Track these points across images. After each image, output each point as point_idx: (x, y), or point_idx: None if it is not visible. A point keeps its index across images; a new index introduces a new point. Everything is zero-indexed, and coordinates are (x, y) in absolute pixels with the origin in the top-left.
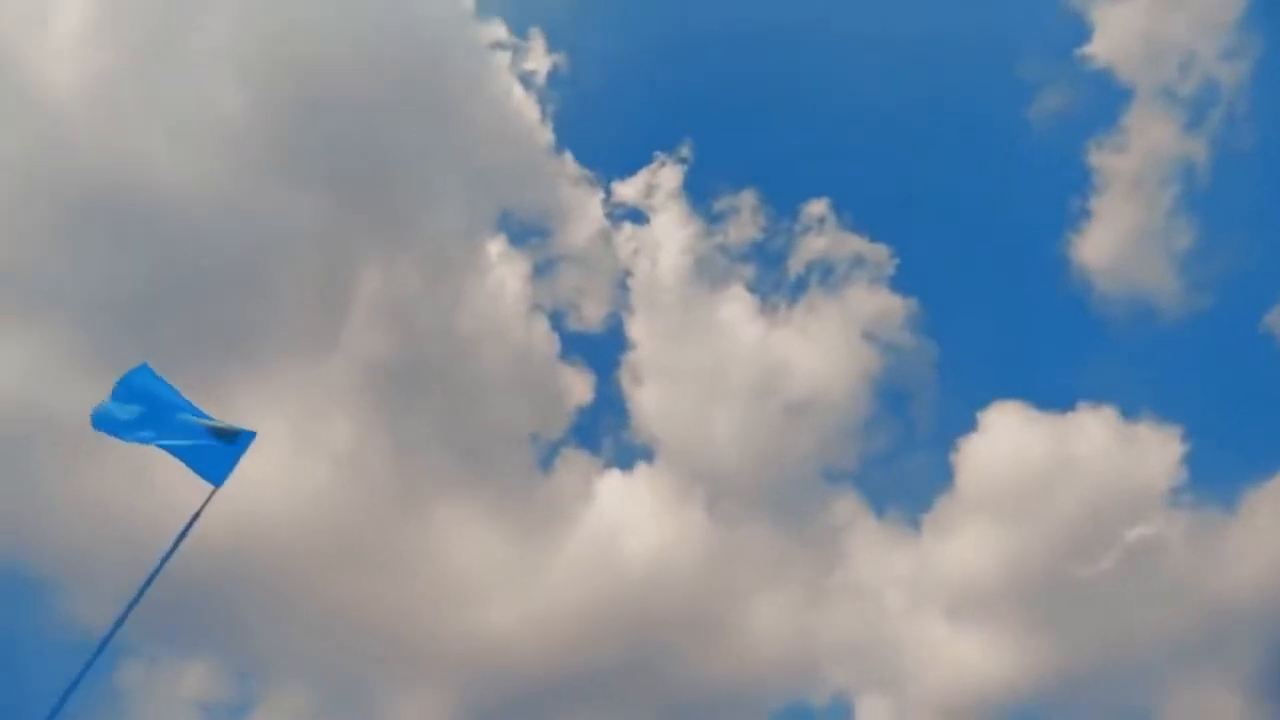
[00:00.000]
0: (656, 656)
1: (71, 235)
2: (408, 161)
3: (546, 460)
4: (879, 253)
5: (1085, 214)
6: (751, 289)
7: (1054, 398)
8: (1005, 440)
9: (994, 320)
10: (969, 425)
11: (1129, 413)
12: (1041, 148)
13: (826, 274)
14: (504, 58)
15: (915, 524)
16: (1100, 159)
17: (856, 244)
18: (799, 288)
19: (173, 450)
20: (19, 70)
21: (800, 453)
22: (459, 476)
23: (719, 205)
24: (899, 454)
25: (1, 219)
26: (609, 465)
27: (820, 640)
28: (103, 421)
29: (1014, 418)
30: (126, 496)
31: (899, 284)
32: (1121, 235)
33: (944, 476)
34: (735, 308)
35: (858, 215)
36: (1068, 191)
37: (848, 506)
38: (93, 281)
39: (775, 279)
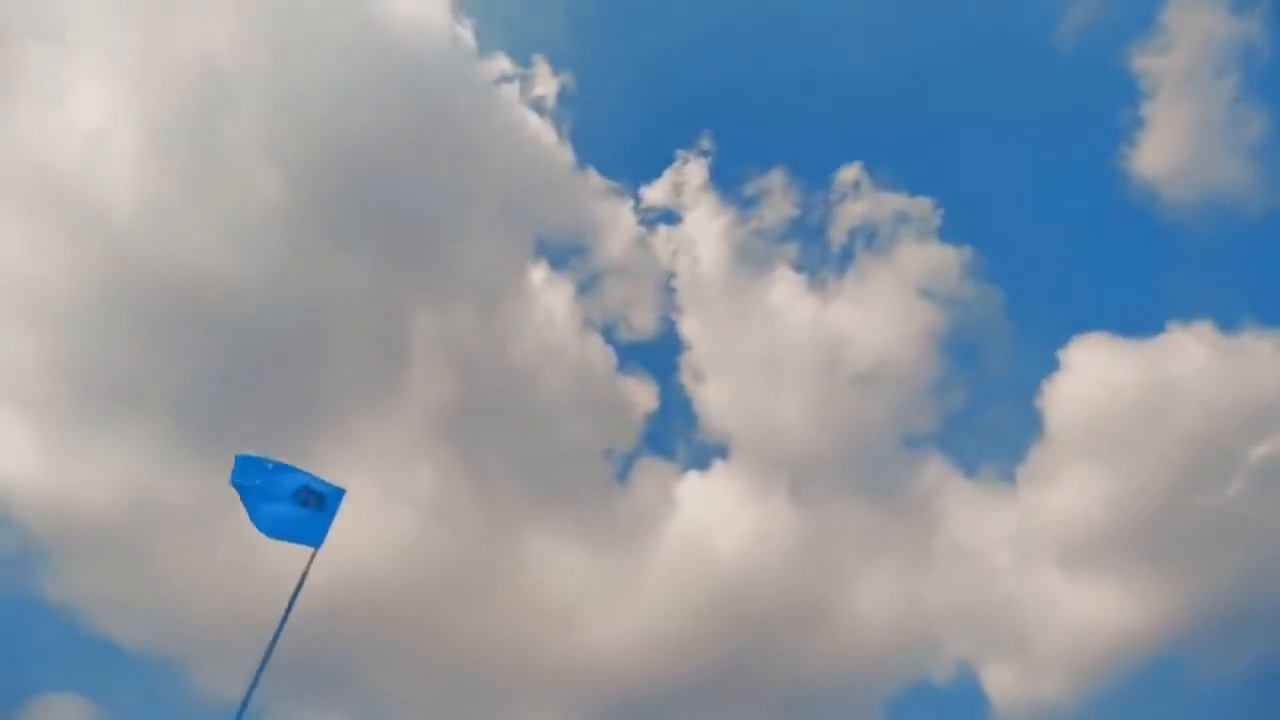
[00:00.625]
0: (764, 651)
1: (152, 336)
2: (440, 208)
3: (622, 473)
4: (921, 206)
5: (1137, 123)
6: (797, 267)
7: (1140, 322)
8: (1093, 375)
9: (1058, 253)
10: (1051, 366)
11: (1227, 325)
12: (1079, 65)
13: (871, 238)
14: (512, 89)
15: (1010, 478)
16: (1144, 63)
17: (896, 202)
18: (845, 257)
19: (270, 532)
20: (84, 197)
21: (876, 423)
22: (541, 502)
23: (749, 190)
24: (980, 408)
25: (88, 331)
26: (685, 468)
27: (930, 612)
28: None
29: (1099, 351)
30: (238, 570)
31: (948, 234)
32: (1181, 137)
33: (1032, 424)
34: (784, 289)
35: (892, 172)
36: (1115, 104)
37: (935, 470)
38: (177, 374)
39: (819, 253)
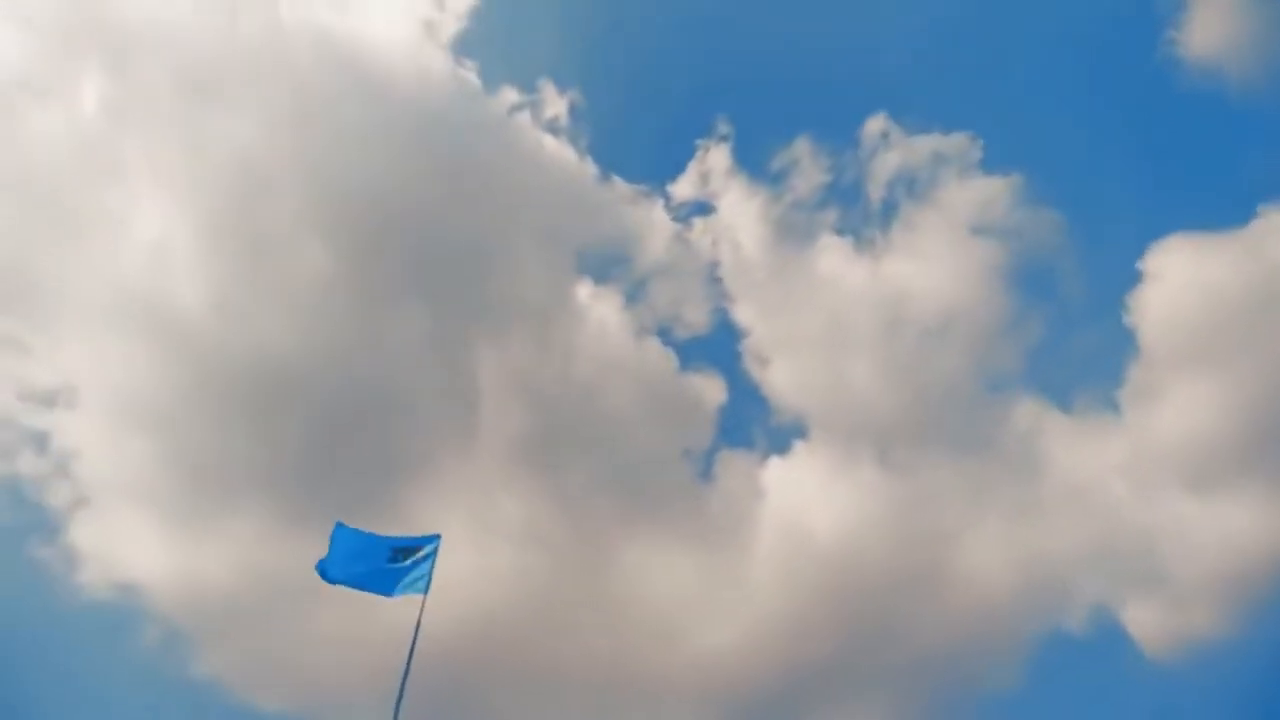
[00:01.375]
0: (881, 628)
1: (242, 419)
2: (480, 247)
3: (704, 471)
4: (957, 143)
5: (1180, 4)
6: (840, 232)
7: (1225, 213)
8: (1183, 279)
9: (1116, 160)
10: (1132, 279)
11: None
12: None
13: (911, 186)
14: (524, 117)
15: (1111, 404)
16: None
17: (930, 143)
18: (887, 211)
19: (379, 590)
20: (159, 306)
21: (954, 374)
22: (629, 514)
23: (776, 164)
24: (1062, 338)
25: (187, 427)
26: (766, 455)
27: (1052, 559)
28: (327, 572)
29: (1184, 252)
30: (359, 626)
31: (991, 165)
32: (1231, 10)
33: (1125, 343)
34: (831, 257)
35: (920, 114)
36: None
37: (1028, 411)
38: (271, 451)
39: (860, 213)
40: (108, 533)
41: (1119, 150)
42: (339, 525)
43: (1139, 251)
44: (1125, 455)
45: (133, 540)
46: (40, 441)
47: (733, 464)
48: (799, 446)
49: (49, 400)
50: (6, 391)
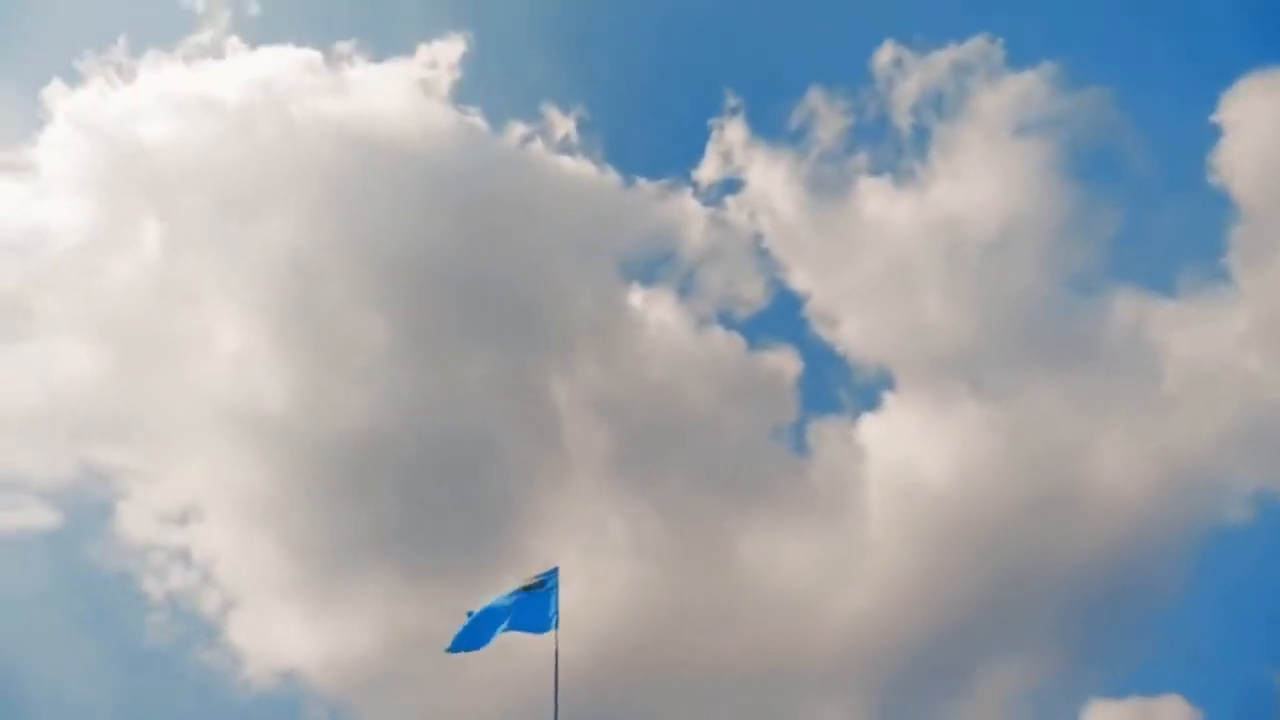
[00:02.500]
0: (1024, 558)
1: (348, 497)
2: (526, 282)
3: (798, 446)
4: (976, 47)
5: None
6: (876, 172)
7: None
8: (1268, 120)
9: (1153, 17)
10: (1210, 136)
11: None
12: None
13: (938, 105)
14: (536, 145)
15: (1220, 274)
16: None
17: (947, 56)
18: (920, 138)
19: (510, 627)
20: (243, 403)
21: (1033, 285)
22: (735, 506)
23: (794, 122)
24: (1144, 218)
25: (302, 514)
26: (856, 414)
27: (1193, 453)
28: (459, 645)
29: (1263, 91)
30: (502, 666)
31: (1018, 61)
32: None
33: (1219, 205)
34: (874, 199)
35: (927, 30)
36: None
37: (1125, 306)
38: (380, 519)
39: (892, 147)
40: (259, 627)
41: (1154, 5)
42: (469, 613)
43: (1209, 105)
44: (1248, 326)
45: (282, 629)
46: (183, 557)
47: (825, 431)
48: (888, 398)
49: (181, 518)
50: (144, 518)
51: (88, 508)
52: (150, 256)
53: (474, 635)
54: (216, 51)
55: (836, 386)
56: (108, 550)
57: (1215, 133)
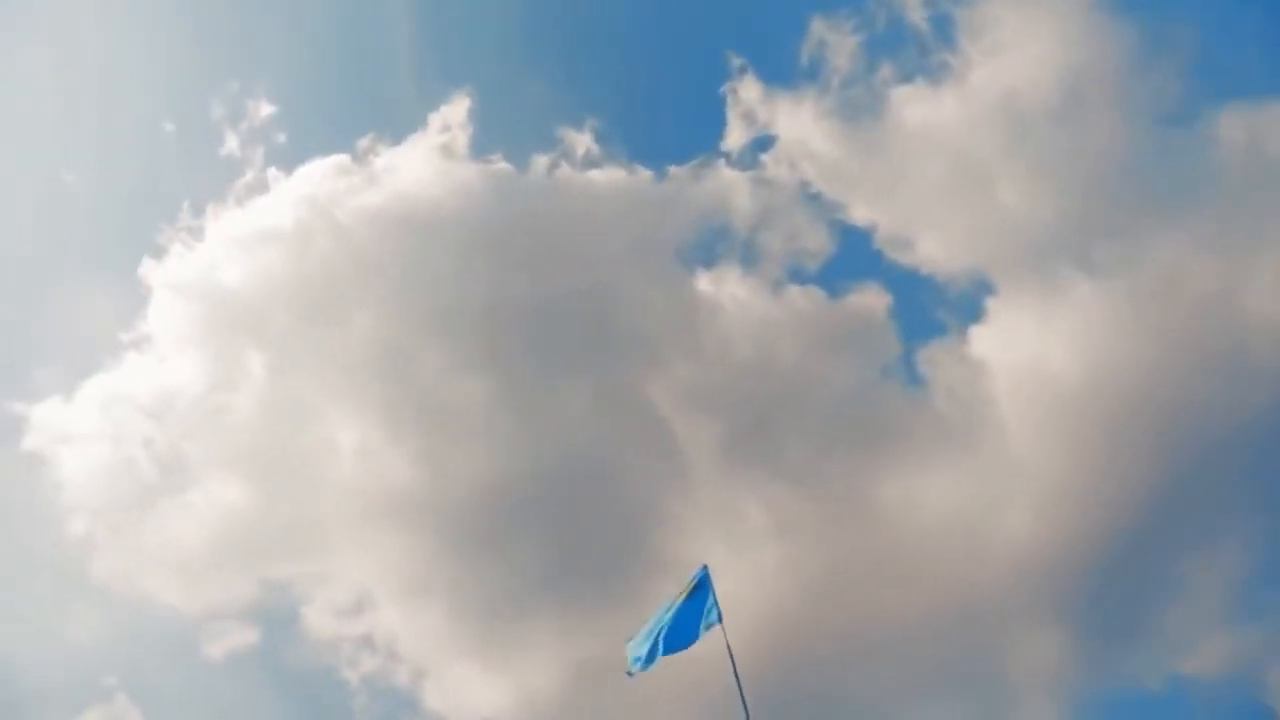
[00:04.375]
0: (1203, 428)
1: (492, 548)
2: (595, 299)
3: (912, 378)
4: None
5: None
6: (907, 79)
7: None
8: None
9: None
10: None
11: None
12: None
13: None
14: (565, 169)
15: None
16: None
17: None
18: (941, 29)
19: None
20: (379, 488)
21: (1118, 138)
22: (864, 457)
23: (805, 59)
24: (1223, 24)
25: (454, 575)
26: (963, 329)
27: None
28: (636, 666)
29: None
30: (681, 672)
31: None
32: None
33: None
34: (914, 107)
35: None
36: None
37: (1235, 121)
38: (525, 562)
39: (916, 49)
40: (451, 689)
41: None
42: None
43: None
44: None
45: (471, 685)
46: (368, 642)
47: (935, 357)
48: (990, 304)
49: (357, 608)
50: (326, 616)
51: (278, 619)
52: (260, 384)
53: (649, 654)
54: (261, 187)
55: (933, 308)
56: (304, 651)
57: None
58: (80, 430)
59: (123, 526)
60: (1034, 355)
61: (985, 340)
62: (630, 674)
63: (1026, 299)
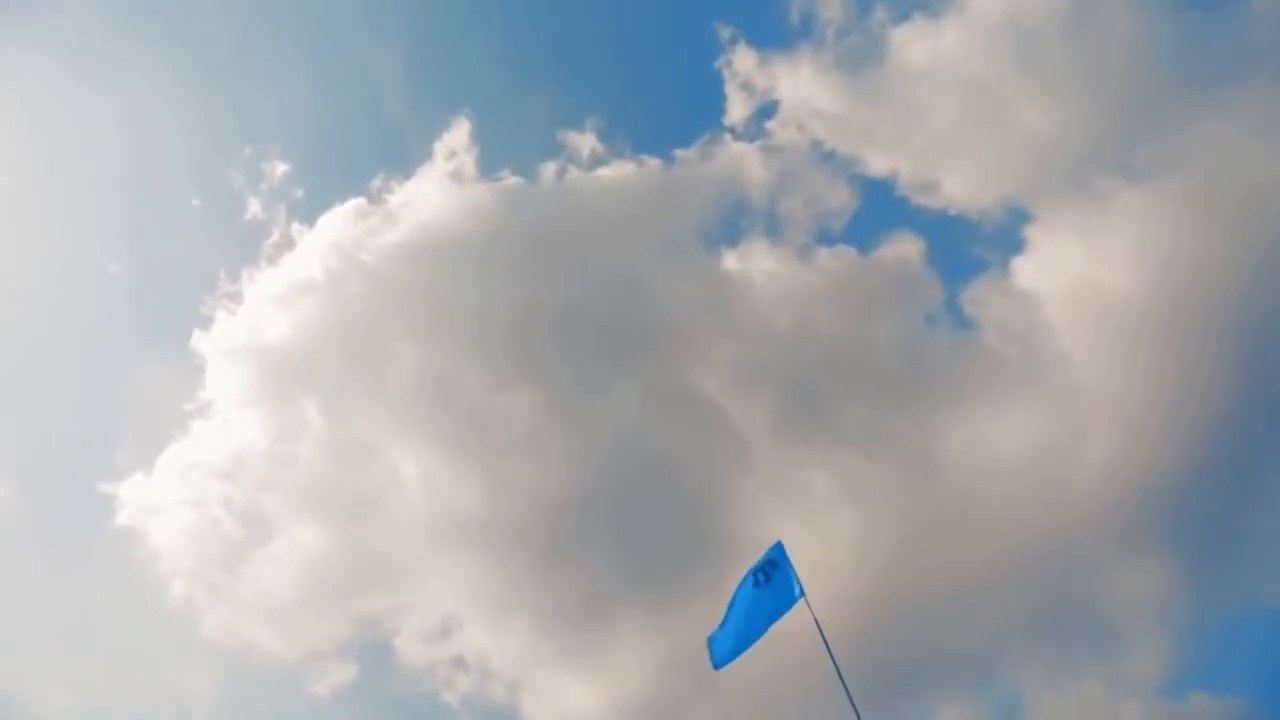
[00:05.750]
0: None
1: (565, 556)
2: (626, 295)
3: (959, 322)
4: None
5: None
6: (904, 17)
7: None
8: None
9: None
10: None
11: None
12: None
13: None
14: (572, 173)
15: None
16: None
17: None
18: None
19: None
20: (444, 515)
21: (1149, 30)
22: (926, 409)
23: (795, 20)
24: None
25: (533, 587)
26: (1004, 264)
27: None
28: (722, 659)
29: None
30: (771, 652)
31: None
32: None
33: None
34: (916, 45)
35: None
36: None
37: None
38: (598, 566)
39: None
40: (547, 699)
41: None
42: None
43: None
44: None
45: (566, 693)
46: (461, 664)
47: (980, 295)
48: (1031, 233)
49: (445, 632)
50: (417, 644)
51: (372, 651)
52: (319, 430)
53: (733, 644)
54: (288, 243)
55: (969, 247)
56: (403, 680)
57: None
58: (164, 501)
59: (219, 584)
60: (1085, 276)
61: (1030, 270)
62: (715, 668)
63: (1067, 220)
